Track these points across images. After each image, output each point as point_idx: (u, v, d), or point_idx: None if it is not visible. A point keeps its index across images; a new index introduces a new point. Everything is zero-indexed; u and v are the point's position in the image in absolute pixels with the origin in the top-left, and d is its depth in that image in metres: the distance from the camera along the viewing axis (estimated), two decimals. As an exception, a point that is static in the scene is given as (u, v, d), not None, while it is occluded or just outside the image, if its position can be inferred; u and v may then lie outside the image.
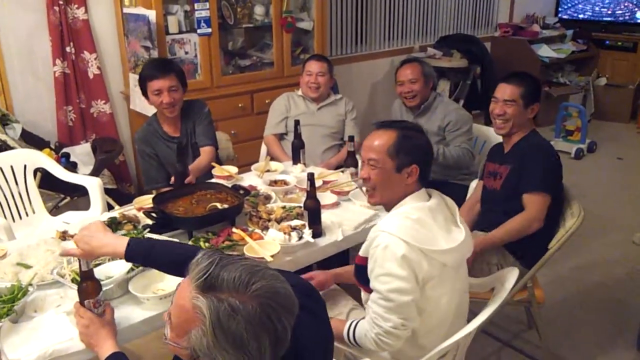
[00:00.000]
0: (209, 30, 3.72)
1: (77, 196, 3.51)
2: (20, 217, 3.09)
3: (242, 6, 4.03)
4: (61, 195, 3.54)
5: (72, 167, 3.54)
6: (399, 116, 3.42)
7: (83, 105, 3.81)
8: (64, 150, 3.63)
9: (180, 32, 3.69)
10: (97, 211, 3.06)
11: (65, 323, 1.68)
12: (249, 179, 2.76)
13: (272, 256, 1.97)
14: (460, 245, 1.75)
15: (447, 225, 1.80)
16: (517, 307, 2.83)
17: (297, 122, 2.91)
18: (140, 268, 1.88)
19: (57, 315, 1.72)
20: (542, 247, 2.44)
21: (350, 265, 2.17)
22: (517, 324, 2.96)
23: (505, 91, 2.54)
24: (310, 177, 2.20)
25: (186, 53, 3.73)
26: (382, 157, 1.81)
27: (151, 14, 3.41)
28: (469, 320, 1.84)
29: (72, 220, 3.04)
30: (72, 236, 2.15)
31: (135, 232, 2.13)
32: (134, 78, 3.70)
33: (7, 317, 1.64)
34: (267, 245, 2.04)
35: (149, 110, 3.56)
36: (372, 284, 1.73)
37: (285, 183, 2.67)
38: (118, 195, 3.75)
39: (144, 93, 2.81)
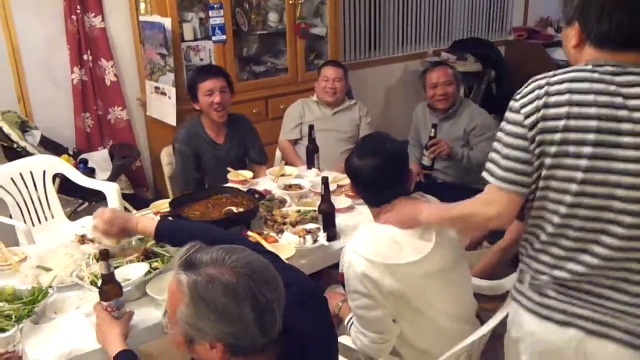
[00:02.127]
0: (224, 37, 3.76)
1: (95, 202, 3.56)
2: (40, 222, 3.14)
3: (256, 13, 4.07)
4: (79, 200, 3.59)
5: (90, 173, 3.59)
6: (423, 121, 3.43)
7: (101, 112, 3.87)
8: (82, 156, 3.68)
9: (196, 39, 3.74)
10: (114, 216, 3.10)
11: (84, 324, 1.72)
12: (264, 184, 2.78)
13: (287, 259, 1.99)
14: (431, 255, 1.69)
15: (423, 235, 1.73)
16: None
17: (311, 127, 2.94)
18: (158, 270, 1.91)
19: (77, 317, 1.75)
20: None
21: None
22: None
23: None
24: (325, 182, 2.22)
25: (201, 60, 3.78)
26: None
27: (167, 22, 3.46)
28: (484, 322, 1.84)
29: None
30: (91, 240, 2.18)
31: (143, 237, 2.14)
32: (150, 85, 3.75)
33: (28, 319, 1.68)
34: (283, 248, 2.06)
35: (167, 117, 3.62)
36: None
37: (299, 187, 2.69)
38: (135, 200, 3.79)
39: (194, 97, 2.87)
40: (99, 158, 3.80)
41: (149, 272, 1.89)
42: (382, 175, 1.77)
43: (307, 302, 1.37)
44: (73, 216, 3.47)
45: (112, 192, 3.16)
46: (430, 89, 3.29)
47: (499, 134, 1.45)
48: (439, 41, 5.84)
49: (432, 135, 3.12)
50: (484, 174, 1.51)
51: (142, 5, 3.69)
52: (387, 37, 5.46)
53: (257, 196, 2.41)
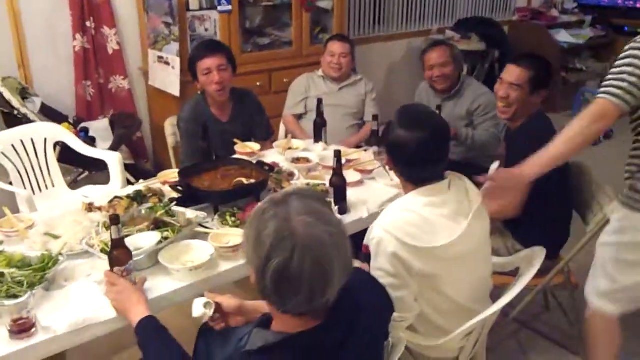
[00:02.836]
0: (229, 7, 3.70)
1: (95, 171, 3.52)
2: (40, 190, 3.10)
3: (262, -17, 4.01)
4: (79, 169, 3.55)
5: (91, 141, 3.54)
6: (425, 100, 3.37)
7: (102, 81, 3.81)
8: (83, 124, 3.63)
9: (201, 8, 3.66)
10: (116, 185, 3.07)
11: (96, 292, 1.69)
12: (271, 156, 2.75)
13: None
14: (459, 240, 1.67)
15: (457, 218, 1.72)
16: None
17: (319, 101, 2.90)
18: (170, 239, 1.89)
19: (88, 284, 1.73)
20: (559, 232, 2.46)
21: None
22: (535, 306, 2.96)
23: (512, 73, 2.45)
24: (337, 155, 2.19)
25: (206, 30, 3.71)
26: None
27: (173, -11, 3.39)
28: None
29: (92, 194, 3.05)
30: (98, 208, 2.16)
31: (161, 205, 2.12)
32: (153, 54, 3.69)
33: (40, 285, 1.65)
34: (294, 220, 2.04)
35: (170, 86, 3.57)
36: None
37: (307, 161, 2.67)
38: (135, 170, 3.75)
39: (194, 75, 2.80)
40: (100, 127, 3.74)
41: (161, 241, 1.87)
42: (429, 149, 1.69)
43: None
44: (73, 185, 3.43)
45: (115, 161, 3.13)
46: (427, 70, 3.22)
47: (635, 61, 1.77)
48: (443, 19, 5.79)
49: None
50: (600, 93, 1.83)
51: (147, -28, 3.61)
52: (391, 13, 5.39)
53: (266, 168, 2.38)
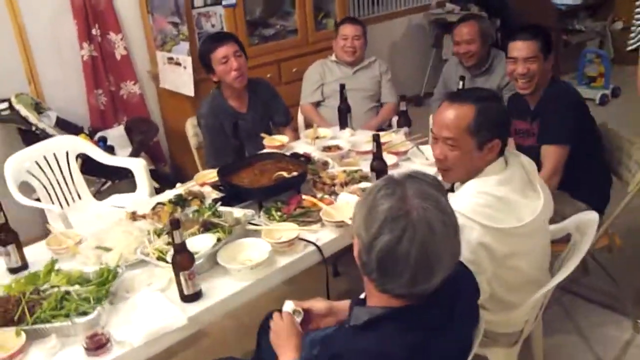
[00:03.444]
0: (234, 0, 3.65)
1: (117, 179, 3.50)
2: (68, 204, 3.08)
3: (261, -27, 3.96)
4: (102, 179, 3.53)
5: (110, 150, 3.51)
6: (454, 76, 3.31)
7: (113, 88, 3.77)
8: (100, 134, 3.60)
9: (206, 5, 3.62)
10: (144, 192, 3.05)
11: (162, 300, 1.69)
12: (300, 147, 2.74)
13: (350, 218, 1.96)
14: (540, 214, 1.69)
15: (525, 192, 1.73)
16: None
17: (342, 86, 2.88)
18: (225, 240, 1.88)
19: (152, 294, 1.72)
20: (602, 191, 2.46)
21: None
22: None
23: (523, 49, 2.43)
24: (376, 139, 2.18)
25: (212, 26, 3.67)
26: (461, 136, 1.68)
27: (178, -12, 3.35)
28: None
29: (121, 202, 3.04)
30: (142, 216, 2.15)
31: (205, 207, 2.11)
32: (162, 56, 3.65)
33: (106, 299, 1.64)
34: (344, 208, 2.03)
35: (183, 87, 3.54)
36: None
37: (338, 148, 2.65)
38: (156, 175, 3.72)
39: (208, 69, 2.78)
40: (116, 135, 3.71)
41: (216, 244, 1.86)
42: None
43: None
44: (97, 196, 3.40)
45: (140, 168, 3.10)
46: (455, 45, 3.20)
47: None
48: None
49: (460, 87, 3.05)
50: None
51: (148, -27, 3.56)
52: (388, -8, 5.36)
53: (302, 159, 2.37)
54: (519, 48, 2.45)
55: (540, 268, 1.81)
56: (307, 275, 2.00)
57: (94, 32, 3.56)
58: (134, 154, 3.49)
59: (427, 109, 4.39)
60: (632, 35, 2.54)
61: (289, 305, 1.60)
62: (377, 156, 2.18)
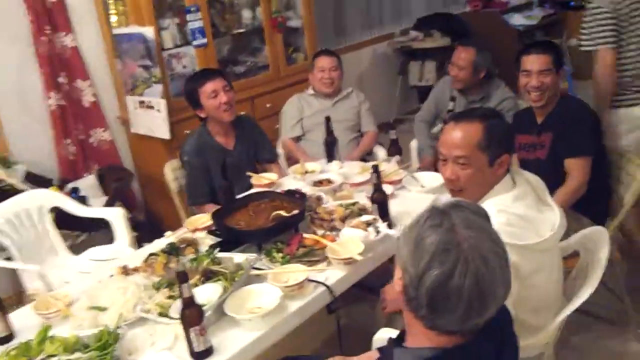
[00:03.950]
0: (205, 40, 3.59)
1: (94, 231, 3.33)
2: (44, 262, 2.90)
3: (230, 12, 3.92)
4: (76, 232, 3.35)
5: (83, 201, 3.35)
6: (449, 95, 3.30)
7: (82, 136, 3.62)
8: (71, 185, 3.44)
9: (176, 46, 3.55)
10: (124, 243, 2.92)
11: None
12: (290, 184, 2.65)
13: (359, 254, 1.88)
14: (558, 228, 1.68)
15: (538, 207, 1.73)
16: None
17: (327, 119, 2.84)
18: (231, 289, 1.77)
19: (159, 354, 1.59)
20: (603, 204, 2.45)
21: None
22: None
23: (537, 62, 2.46)
24: (376, 169, 2.12)
25: (184, 67, 3.59)
26: (473, 153, 1.67)
27: (147, 31, 3.26)
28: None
29: (100, 255, 2.89)
30: (135, 270, 2.02)
31: (203, 254, 1.99)
32: (133, 100, 3.54)
33: (111, 366, 1.51)
34: (350, 244, 1.95)
35: (157, 130, 3.43)
36: None
37: (330, 182, 2.58)
38: (131, 224, 3.56)
39: (196, 104, 2.72)
40: (88, 184, 3.56)
41: (223, 293, 1.75)
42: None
43: None
44: (73, 250, 3.23)
45: (118, 217, 2.97)
46: (449, 65, 3.20)
47: None
48: (401, 20, 5.81)
49: (451, 108, 3.05)
50: None
51: (114, 18, 3.47)
52: (352, 23, 5.39)
53: (297, 196, 2.28)
54: (533, 61, 2.46)
55: (557, 286, 1.77)
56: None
57: (60, 80, 3.43)
58: (110, 203, 3.34)
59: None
60: (584, 37, 2.61)
61: None
62: (378, 187, 2.11)
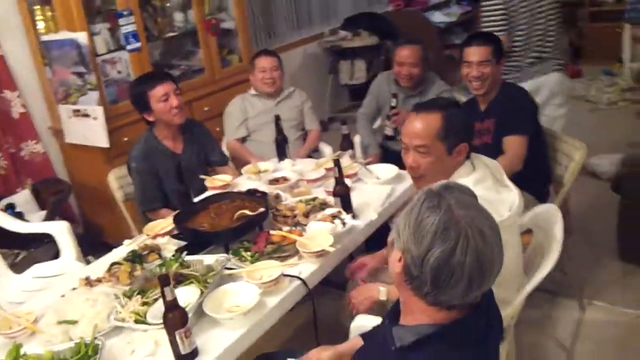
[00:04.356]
0: (138, 44, 3.50)
1: (33, 248, 3.17)
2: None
3: (161, 15, 3.84)
4: (15, 250, 3.18)
5: (19, 217, 3.19)
6: (386, 92, 3.34)
7: (12, 150, 3.44)
8: (5, 201, 3.26)
9: (109, 51, 3.44)
10: (70, 257, 2.81)
11: (157, 366, 1.53)
12: (244, 184, 2.64)
13: (330, 245, 1.91)
14: (517, 207, 1.76)
15: (496, 188, 1.81)
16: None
17: (277, 117, 2.85)
18: (208, 290, 1.75)
19: (144, 362, 1.55)
20: (546, 184, 2.61)
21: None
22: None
23: (477, 53, 2.59)
24: (337, 164, 2.16)
25: (119, 72, 3.49)
26: (432, 142, 1.76)
27: (80, 37, 3.14)
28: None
29: (45, 272, 2.77)
30: (98, 280, 1.96)
31: (171, 259, 1.95)
32: (66, 109, 3.40)
33: (94, 378, 1.46)
34: (319, 238, 1.97)
35: (95, 139, 3.32)
36: None
37: (285, 179, 2.59)
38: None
39: (144, 108, 2.64)
40: (22, 200, 3.38)
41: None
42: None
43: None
44: (13, 269, 3.06)
45: (62, 231, 2.85)
46: (397, 65, 3.19)
47: None
48: (329, 20, 5.90)
49: (393, 104, 3.11)
50: None
51: (42, 24, 3.31)
52: (281, 24, 5.41)
53: (258, 195, 2.28)
54: (473, 53, 2.59)
55: (518, 261, 1.87)
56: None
57: (-14, 92, 3.25)
58: (50, 217, 3.19)
59: (332, 134, 4.46)
60: (483, 25, 3.01)
61: None
62: (340, 181, 2.15)
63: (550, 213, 2.01)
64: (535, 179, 2.55)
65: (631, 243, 2.94)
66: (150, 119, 2.65)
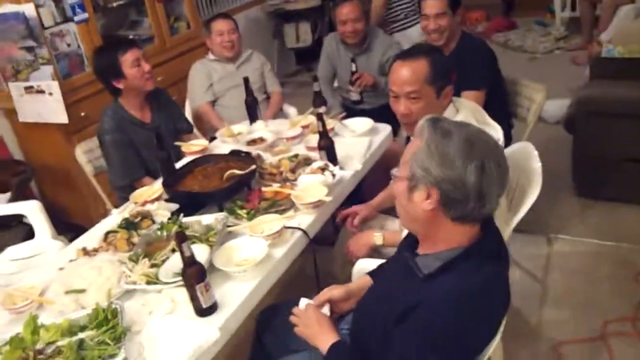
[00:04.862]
0: (86, 15, 3.37)
1: (2, 231, 3.07)
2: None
3: (105, -16, 3.71)
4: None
5: (-21, 202, 3.07)
6: (336, 53, 3.36)
7: (-38, 133, 3.28)
8: (-38, 187, 3.12)
9: (56, 23, 3.29)
10: (45, 236, 2.74)
11: (181, 322, 1.56)
12: (223, 147, 2.65)
13: (327, 195, 1.97)
14: (502, 143, 1.87)
15: (481, 127, 1.93)
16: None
17: (246, 80, 2.84)
18: (215, 247, 1.78)
19: (164, 319, 1.58)
20: (506, 129, 2.75)
21: (382, 194, 2.25)
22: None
23: (433, 6, 2.66)
24: (320, 117, 2.20)
25: (68, 45, 3.35)
26: (422, 87, 1.83)
27: (26, 9, 3.00)
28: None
29: (20, 254, 2.69)
30: (96, 249, 1.95)
31: (169, 221, 1.96)
32: (17, 87, 3.26)
33: (124, 337, 1.47)
34: (313, 190, 2.02)
35: (52, 115, 3.23)
36: None
37: (262, 140, 2.62)
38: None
39: (115, 74, 2.57)
40: (-21, 184, 3.25)
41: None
42: None
43: None
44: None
45: (35, 210, 2.76)
46: (340, 25, 3.20)
47: None
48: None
49: (354, 69, 3.10)
50: None
51: (-19, -3, 3.14)
52: (223, -11, 5.32)
53: (242, 154, 2.30)
54: (430, 6, 2.66)
55: (503, 198, 1.99)
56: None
57: None
58: (15, 199, 3.08)
59: (289, 97, 4.46)
60: None
61: (304, 303, 1.58)
62: (324, 134, 2.20)
63: (526, 150, 2.14)
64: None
65: (586, 178, 3.15)
66: (120, 86, 2.58)
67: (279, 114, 3.43)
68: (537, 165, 2.04)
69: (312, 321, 1.51)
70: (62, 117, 3.20)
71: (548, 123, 3.99)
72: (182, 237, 1.51)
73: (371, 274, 1.69)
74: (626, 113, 2.91)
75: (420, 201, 1.26)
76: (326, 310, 1.58)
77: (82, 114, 3.34)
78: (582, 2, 5.26)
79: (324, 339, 1.45)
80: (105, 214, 2.54)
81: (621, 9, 4.47)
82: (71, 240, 2.76)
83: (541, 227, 2.97)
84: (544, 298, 2.58)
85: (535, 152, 2.08)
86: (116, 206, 2.73)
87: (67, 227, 3.24)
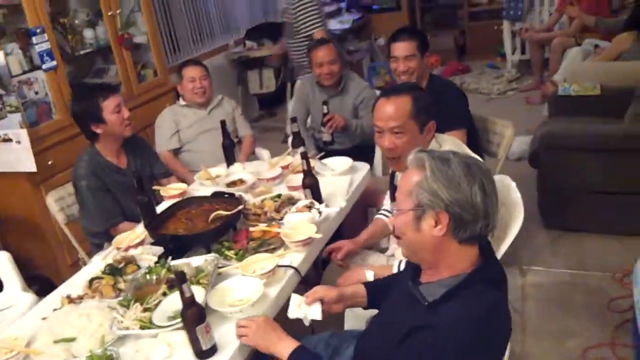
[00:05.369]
0: (54, 63, 3.35)
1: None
2: None
3: (72, 33, 3.70)
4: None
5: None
6: (311, 95, 3.40)
7: None
8: None
9: (24, 72, 3.26)
10: (15, 288, 2.65)
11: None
12: (201, 190, 2.64)
13: (316, 232, 1.98)
14: None
15: None
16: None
17: (223, 123, 2.86)
18: (208, 288, 1.75)
19: (164, 365, 1.54)
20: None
21: (367, 230, 2.27)
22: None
23: (403, 49, 2.74)
24: (305, 156, 2.23)
25: (36, 93, 3.32)
26: (406, 122, 1.91)
27: (-4, 56, 2.97)
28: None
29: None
30: (81, 297, 1.89)
31: (157, 265, 1.93)
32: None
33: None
34: (298, 228, 2.03)
35: (20, 164, 3.16)
36: None
37: (242, 181, 2.62)
38: None
39: (94, 120, 2.56)
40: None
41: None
42: None
43: None
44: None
45: (4, 262, 2.67)
46: (316, 67, 3.25)
47: None
48: (231, 32, 5.93)
49: (325, 111, 3.13)
50: None
51: (-54, 46, 3.08)
52: (183, 38, 5.37)
53: (226, 195, 2.30)
54: (399, 48, 2.73)
55: None
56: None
57: None
58: (-21, 251, 2.96)
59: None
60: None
61: (295, 299, 1.63)
62: (308, 173, 2.23)
63: (503, 182, 2.22)
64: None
65: (552, 211, 3.27)
66: (99, 131, 2.56)
67: (251, 157, 3.45)
68: (516, 196, 2.11)
69: (268, 330, 1.55)
70: (30, 166, 3.12)
71: (509, 160, 4.14)
72: (182, 278, 1.49)
73: (366, 285, 1.75)
74: (586, 147, 3.06)
75: (429, 229, 1.30)
76: (318, 308, 1.62)
77: (50, 162, 3.27)
78: (532, 45, 5.56)
79: (284, 344, 1.50)
80: (75, 263, 2.47)
81: (569, 51, 4.76)
82: (37, 292, 2.70)
83: (513, 259, 3.04)
84: (524, 329, 2.63)
85: (513, 184, 2.16)
86: (88, 254, 2.67)
87: (32, 279, 3.13)
